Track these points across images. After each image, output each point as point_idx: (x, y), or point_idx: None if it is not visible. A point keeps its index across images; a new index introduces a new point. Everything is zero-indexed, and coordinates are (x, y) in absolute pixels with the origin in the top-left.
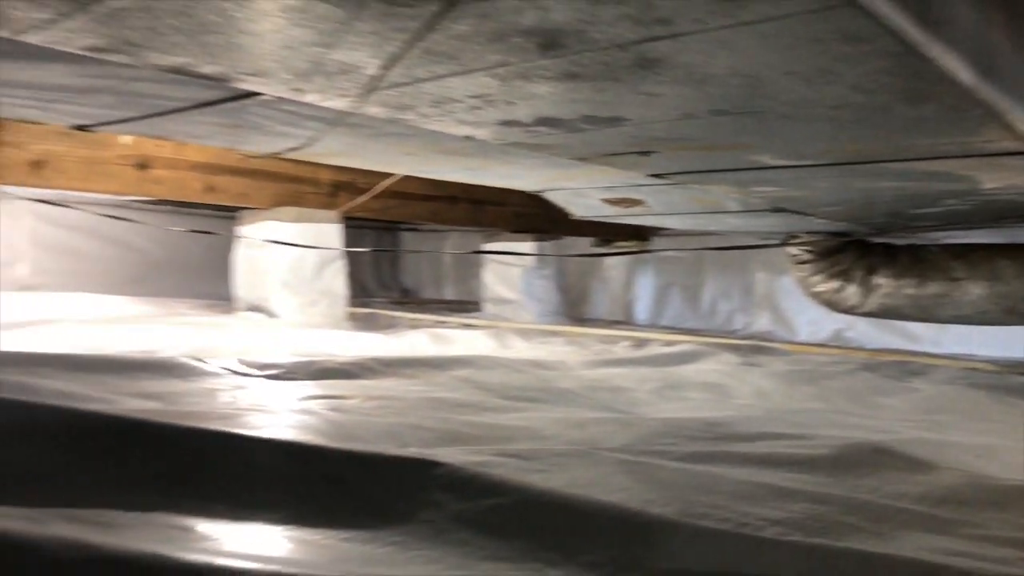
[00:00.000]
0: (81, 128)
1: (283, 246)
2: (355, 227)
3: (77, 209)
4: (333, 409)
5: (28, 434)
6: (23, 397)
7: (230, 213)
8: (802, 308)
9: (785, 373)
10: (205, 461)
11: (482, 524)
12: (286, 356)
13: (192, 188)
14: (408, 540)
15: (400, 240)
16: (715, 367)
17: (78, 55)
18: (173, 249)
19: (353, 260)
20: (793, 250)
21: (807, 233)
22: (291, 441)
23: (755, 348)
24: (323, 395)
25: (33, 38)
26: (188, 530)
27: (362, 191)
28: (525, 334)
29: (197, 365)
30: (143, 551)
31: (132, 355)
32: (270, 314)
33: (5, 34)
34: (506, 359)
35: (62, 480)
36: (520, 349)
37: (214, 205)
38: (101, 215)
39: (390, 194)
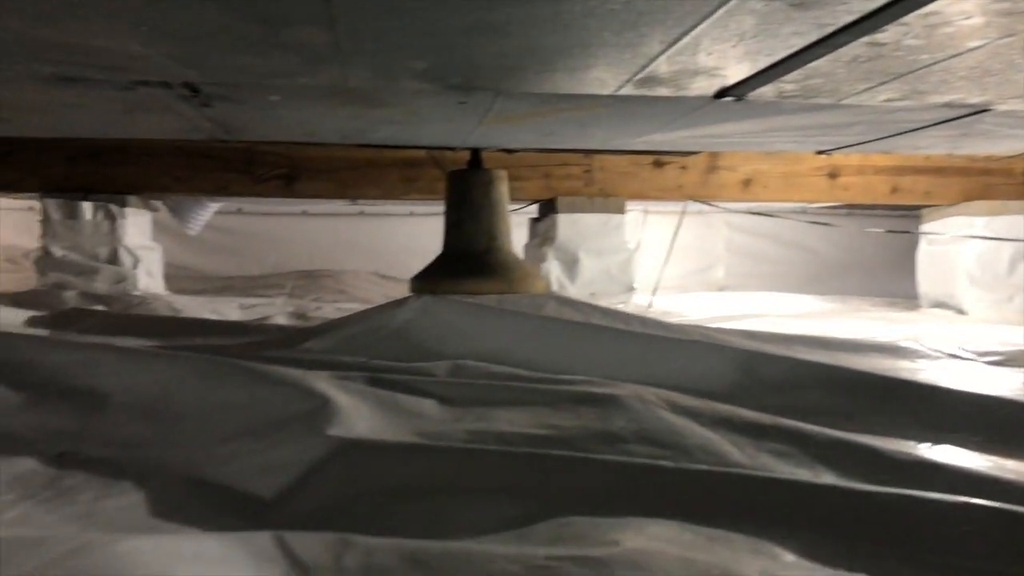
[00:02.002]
0: (820, 152)
1: (972, 241)
2: None
3: (777, 217)
4: None
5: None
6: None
7: (907, 212)
8: None
9: None
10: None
11: None
12: (1000, 346)
13: (878, 191)
14: None
15: None
16: None
17: (861, 106)
18: (849, 250)
19: None
20: None
21: None
22: None
23: None
24: None
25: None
26: None
27: None
28: None
29: (920, 349)
30: None
31: (865, 340)
32: (958, 310)
33: (828, 100)
34: None
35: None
36: None
37: (891, 205)
38: (804, 222)
39: None
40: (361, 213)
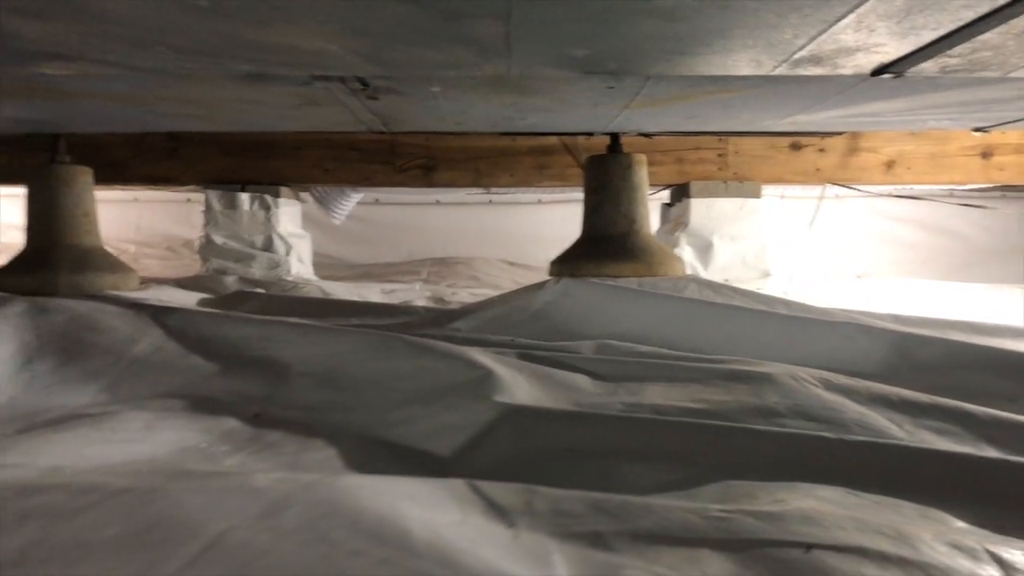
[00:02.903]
0: (978, 130)
1: None
2: None
3: (923, 200)
4: None
5: None
6: None
7: None
8: None
9: None
10: None
11: None
12: None
13: None
14: None
15: None
16: None
17: None
18: (1002, 235)
19: None
20: None
21: None
22: None
23: None
24: None
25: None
26: None
27: None
28: None
29: None
30: None
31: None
32: None
33: (994, 74)
34: None
35: None
36: None
37: None
38: (955, 204)
39: None
40: (490, 202)
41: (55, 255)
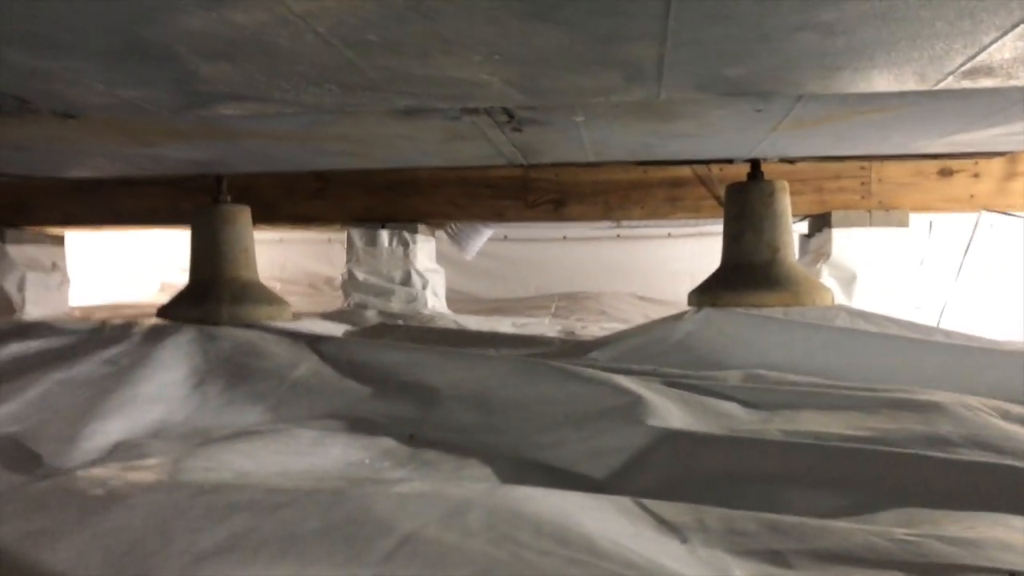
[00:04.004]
0: None
1: None
2: None
3: None
4: None
5: None
6: None
7: None
8: None
9: None
10: None
11: None
12: None
13: None
14: None
15: None
16: None
17: None
18: None
19: None
20: None
21: None
22: None
23: None
24: None
25: None
26: None
27: None
28: None
29: None
30: None
31: None
32: None
33: None
34: None
35: None
36: None
37: None
38: None
39: None
40: (619, 236)
41: (218, 288)
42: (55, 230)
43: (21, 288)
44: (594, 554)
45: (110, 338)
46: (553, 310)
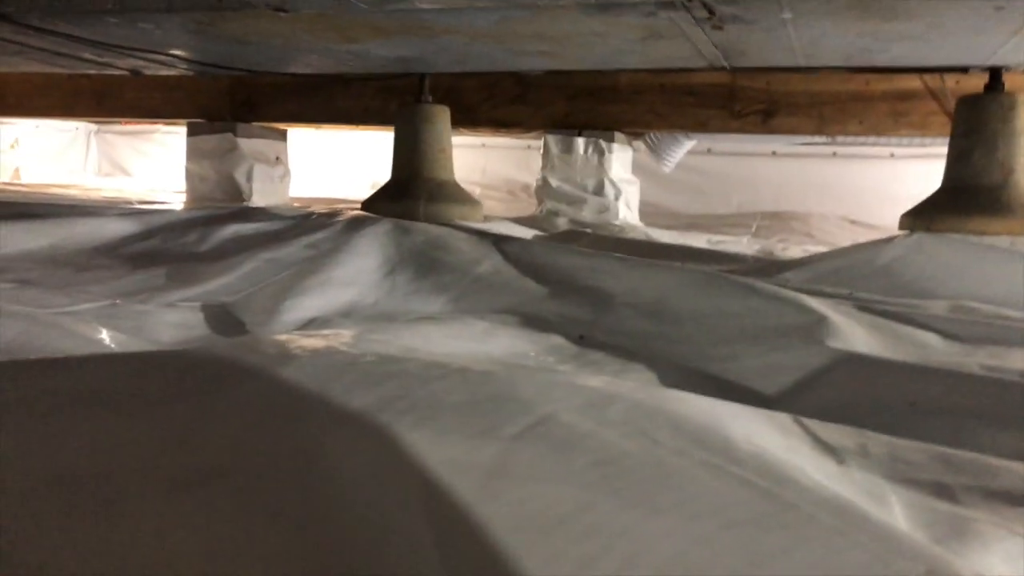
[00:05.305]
0: None
1: None
2: None
3: None
4: None
5: None
6: None
7: None
8: None
9: None
10: None
11: None
12: None
13: None
14: None
15: None
16: None
17: None
18: None
19: None
20: None
21: None
22: None
23: None
24: None
25: None
26: None
27: None
28: None
29: None
30: None
31: None
32: None
33: None
34: None
35: None
36: None
37: None
38: None
39: None
40: (834, 154)
41: (416, 186)
42: (279, 126)
43: (249, 178)
44: (730, 459)
45: (315, 225)
46: (754, 229)
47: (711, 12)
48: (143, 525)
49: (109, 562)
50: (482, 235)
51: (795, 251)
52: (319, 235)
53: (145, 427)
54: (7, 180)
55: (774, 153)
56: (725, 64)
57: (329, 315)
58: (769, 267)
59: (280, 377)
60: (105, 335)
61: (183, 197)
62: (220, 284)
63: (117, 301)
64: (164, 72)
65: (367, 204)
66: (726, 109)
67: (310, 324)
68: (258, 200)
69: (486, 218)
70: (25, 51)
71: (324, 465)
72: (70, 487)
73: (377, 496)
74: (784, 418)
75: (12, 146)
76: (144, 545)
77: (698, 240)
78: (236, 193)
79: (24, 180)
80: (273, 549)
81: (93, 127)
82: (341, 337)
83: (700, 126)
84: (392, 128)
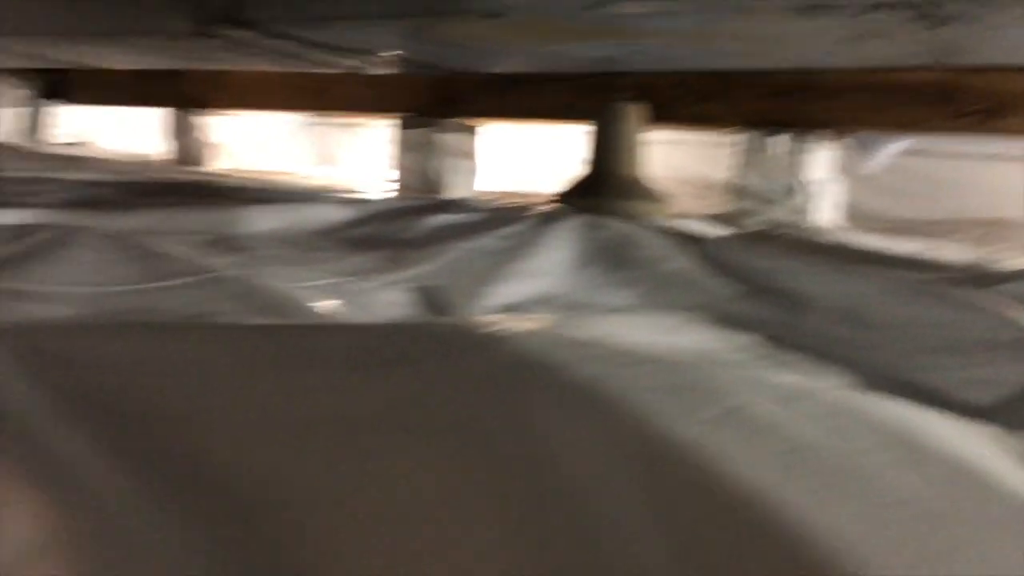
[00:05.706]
0: None
1: None
2: None
3: None
4: None
5: None
6: None
7: None
8: None
9: None
10: None
11: None
12: None
13: None
14: None
15: None
16: None
17: None
18: None
19: None
20: None
21: None
22: None
23: None
24: None
25: None
26: None
27: None
28: None
29: None
30: None
31: None
32: None
33: None
34: None
35: None
36: None
37: None
38: None
39: None
40: None
41: (607, 182)
42: (474, 122)
43: (445, 171)
44: (920, 461)
45: (510, 218)
46: (967, 237)
47: (928, 14)
48: (398, 465)
49: (376, 493)
50: (672, 232)
51: (1015, 263)
52: (514, 228)
53: (382, 386)
54: (232, 167)
55: (998, 156)
56: (940, 62)
57: (525, 303)
58: (983, 278)
59: (500, 350)
60: (339, 306)
61: (386, 186)
62: (426, 269)
63: (347, 279)
64: (373, 71)
65: (560, 198)
66: (941, 109)
67: (507, 310)
68: (451, 192)
69: (677, 215)
70: (260, 53)
71: (544, 430)
72: (332, 429)
73: (594, 462)
74: (986, 430)
75: (234, 136)
76: (402, 480)
77: (903, 246)
78: (433, 185)
79: (244, 167)
80: (507, 497)
81: (306, 120)
82: (546, 321)
83: (911, 126)
84: (583, 124)
